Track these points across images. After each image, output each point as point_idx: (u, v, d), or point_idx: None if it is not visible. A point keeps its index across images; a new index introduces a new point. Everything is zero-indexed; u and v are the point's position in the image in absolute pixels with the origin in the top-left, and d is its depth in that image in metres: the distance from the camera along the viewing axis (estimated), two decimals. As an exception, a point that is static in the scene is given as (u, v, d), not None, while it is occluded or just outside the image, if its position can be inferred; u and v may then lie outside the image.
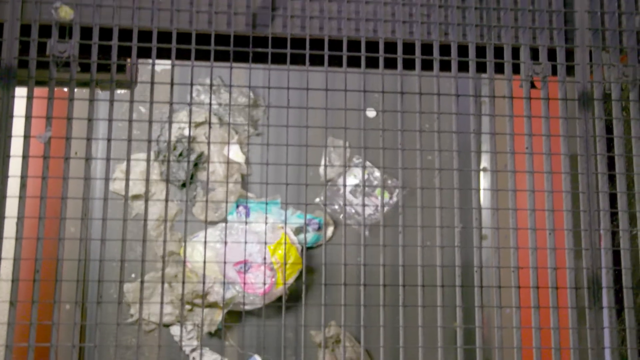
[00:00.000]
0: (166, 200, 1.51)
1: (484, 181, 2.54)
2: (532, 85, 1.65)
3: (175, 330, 2.88)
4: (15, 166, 1.46)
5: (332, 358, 2.84)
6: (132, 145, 1.50)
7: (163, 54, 1.61)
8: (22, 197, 1.44)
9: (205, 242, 1.80)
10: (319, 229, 2.95)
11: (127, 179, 1.49)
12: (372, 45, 1.63)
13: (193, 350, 2.89)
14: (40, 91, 1.55)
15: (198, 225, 2.89)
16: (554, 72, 1.67)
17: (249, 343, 2.90)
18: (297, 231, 2.94)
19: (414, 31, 1.63)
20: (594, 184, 1.60)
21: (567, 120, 1.61)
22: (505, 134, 1.61)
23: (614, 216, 1.63)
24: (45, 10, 1.52)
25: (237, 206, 3.01)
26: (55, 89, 1.51)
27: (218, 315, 2.88)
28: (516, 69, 1.67)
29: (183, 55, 1.61)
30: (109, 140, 1.49)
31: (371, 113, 2.73)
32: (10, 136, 1.45)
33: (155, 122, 1.56)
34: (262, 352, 2.83)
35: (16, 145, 1.48)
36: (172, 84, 1.54)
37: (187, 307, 2.87)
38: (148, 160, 1.55)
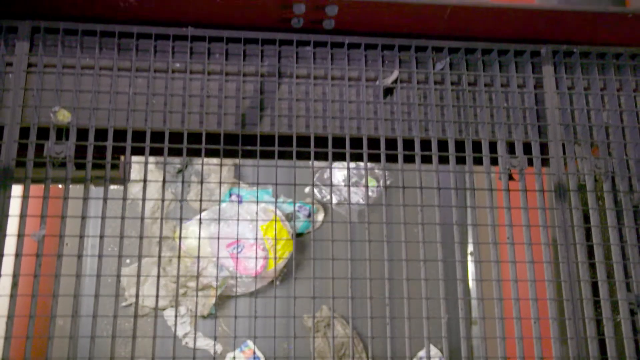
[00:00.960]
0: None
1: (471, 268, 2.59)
2: (511, 177, 1.73)
3: (168, 314, 2.85)
4: (7, 265, 1.49)
5: (324, 341, 2.85)
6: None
7: (156, 151, 1.68)
8: (12, 296, 1.46)
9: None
10: (309, 215, 2.99)
11: (118, 277, 1.52)
12: (356, 142, 1.72)
13: (185, 335, 2.86)
14: (35, 188, 1.60)
15: (192, 212, 2.87)
16: (531, 163, 1.76)
17: (242, 327, 2.88)
18: (288, 217, 2.96)
19: (396, 128, 1.72)
20: (575, 272, 1.64)
21: (545, 210, 1.68)
22: (486, 225, 1.67)
23: (597, 304, 1.67)
24: (43, 114, 1.59)
25: (230, 194, 3.03)
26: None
27: (211, 300, 2.88)
28: (495, 162, 1.75)
29: (175, 152, 1.69)
30: (101, 237, 1.53)
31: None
32: (5, 235, 1.49)
33: (148, 218, 1.60)
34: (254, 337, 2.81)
35: (8, 244, 1.52)
36: (164, 181, 1.60)
37: (181, 291, 2.82)
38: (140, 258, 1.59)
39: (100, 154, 1.61)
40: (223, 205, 2.96)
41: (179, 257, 1.58)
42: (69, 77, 1.64)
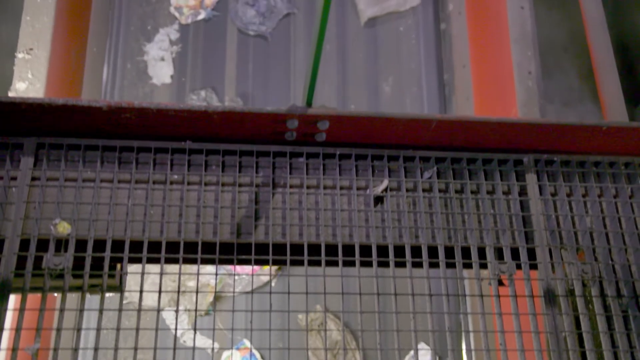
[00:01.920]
0: None
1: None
2: (500, 283, 1.76)
3: (166, 314, 2.91)
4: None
5: (319, 339, 2.91)
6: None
7: (152, 260, 1.72)
8: (4, 412, 1.45)
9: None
10: None
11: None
12: (348, 249, 1.77)
13: (183, 334, 2.93)
14: (31, 297, 1.62)
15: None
16: (520, 268, 1.80)
17: (238, 326, 2.75)
18: None
19: (387, 235, 1.77)
20: (569, 379, 1.65)
21: (536, 316, 1.70)
22: (479, 331, 1.69)
23: (593, 411, 1.66)
24: (44, 226, 1.64)
25: None
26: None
27: (208, 299, 2.96)
28: (484, 267, 1.79)
29: (171, 261, 1.72)
30: (96, 349, 1.54)
31: None
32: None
33: (143, 329, 1.62)
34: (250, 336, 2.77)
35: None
36: (159, 291, 1.63)
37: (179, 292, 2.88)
38: (132, 367, 1.59)
39: (98, 263, 1.65)
40: None
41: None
42: (69, 190, 1.70)
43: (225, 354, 3.00)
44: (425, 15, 3.54)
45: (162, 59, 3.39)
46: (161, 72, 3.38)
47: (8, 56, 5.80)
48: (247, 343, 2.96)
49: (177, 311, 1.53)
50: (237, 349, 3.00)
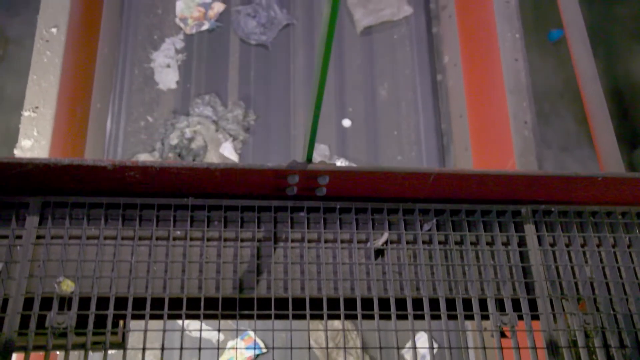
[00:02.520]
0: None
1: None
2: (503, 335, 1.76)
3: None
4: None
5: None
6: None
7: (155, 317, 1.73)
8: None
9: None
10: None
11: None
12: (350, 302, 1.77)
13: (189, 324, 3.00)
14: (34, 356, 1.62)
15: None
16: (522, 318, 1.80)
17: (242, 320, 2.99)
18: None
19: (388, 288, 1.78)
20: None
21: (540, 368, 1.69)
22: (482, 384, 1.69)
23: None
24: (47, 284, 1.66)
25: None
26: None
27: None
28: (486, 318, 1.80)
29: (174, 317, 1.73)
30: (97, 409, 1.53)
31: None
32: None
33: (144, 387, 1.61)
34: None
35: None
36: (162, 348, 1.63)
37: None
38: None
39: (101, 321, 1.66)
40: None
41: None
42: (73, 248, 1.72)
43: (230, 343, 3.12)
44: (417, 23, 3.77)
45: (168, 66, 3.57)
46: (167, 78, 3.55)
47: (13, 110, 5.89)
48: (251, 334, 3.09)
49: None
50: (242, 339, 3.12)
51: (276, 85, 3.56)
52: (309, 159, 1.71)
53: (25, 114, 2.51)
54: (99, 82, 3.27)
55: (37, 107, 2.51)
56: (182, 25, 3.71)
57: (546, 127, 6.47)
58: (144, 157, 3.26)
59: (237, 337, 3.01)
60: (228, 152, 3.35)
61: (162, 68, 3.58)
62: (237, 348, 3.11)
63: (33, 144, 2.44)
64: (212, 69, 3.60)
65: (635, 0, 6.95)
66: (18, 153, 2.46)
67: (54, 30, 2.67)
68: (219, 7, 3.79)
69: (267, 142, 3.45)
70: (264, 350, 3.11)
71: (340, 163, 3.35)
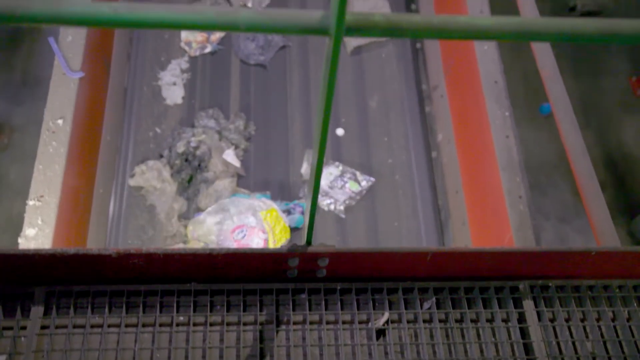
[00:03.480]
0: None
1: None
2: (508, 414, 1.75)
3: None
4: None
5: None
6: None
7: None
8: None
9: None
10: (303, 212, 3.41)
11: None
12: (353, 384, 1.78)
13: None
14: None
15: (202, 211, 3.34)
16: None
17: None
18: (285, 213, 3.41)
19: (391, 368, 1.79)
20: None
21: None
22: None
23: None
24: (51, 374, 1.67)
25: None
26: None
27: None
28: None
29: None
30: None
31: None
32: None
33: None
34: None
35: None
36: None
37: None
38: None
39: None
40: (226, 200, 3.38)
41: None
42: (77, 337, 1.74)
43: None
44: (403, 42, 4.16)
45: (174, 84, 3.88)
46: (173, 94, 3.85)
47: (16, 197, 5.99)
48: None
49: None
50: None
51: (274, 99, 3.89)
52: (309, 242, 1.75)
53: (30, 202, 2.57)
54: (102, 168, 3.37)
55: (42, 196, 2.58)
56: (186, 48, 4.02)
57: (543, 199, 6.55)
58: (152, 163, 3.55)
59: None
60: (230, 158, 3.59)
61: (168, 86, 3.86)
62: None
63: (37, 232, 2.49)
64: (214, 86, 3.92)
65: (621, 73, 7.20)
66: (22, 242, 2.50)
67: (60, 121, 2.78)
68: (220, 32, 4.08)
69: (267, 150, 3.72)
70: None
71: (336, 167, 3.63)
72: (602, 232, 2.23)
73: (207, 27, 0.97)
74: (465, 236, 3.25)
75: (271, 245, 3.26)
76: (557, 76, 2.69)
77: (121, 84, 3.78)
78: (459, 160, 3.41)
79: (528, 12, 2.83)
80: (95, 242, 3.20)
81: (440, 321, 1.86)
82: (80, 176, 3.02)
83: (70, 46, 3.05)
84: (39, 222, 2.53)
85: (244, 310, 1.83)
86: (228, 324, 1.80)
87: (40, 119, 2.83)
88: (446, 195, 3.52)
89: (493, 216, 2.95)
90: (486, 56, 3.20)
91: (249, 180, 3.62)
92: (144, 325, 1.78)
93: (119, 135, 3.62)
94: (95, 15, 0.95)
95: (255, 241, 3.25)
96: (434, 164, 3.69)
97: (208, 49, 4.03)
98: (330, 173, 3.61)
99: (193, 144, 3.58)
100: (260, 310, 1.84)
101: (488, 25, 1.03)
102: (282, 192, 3.56)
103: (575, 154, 2.43)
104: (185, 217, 3.48)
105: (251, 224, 3.26)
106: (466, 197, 3.27)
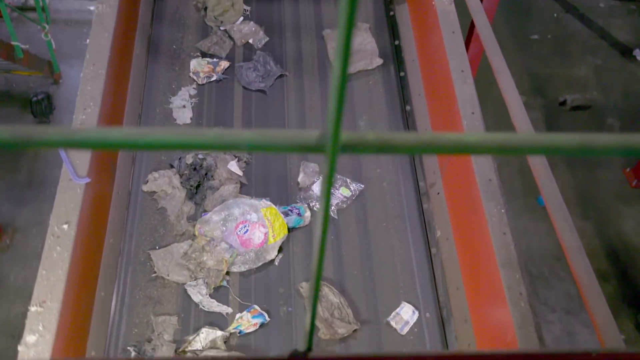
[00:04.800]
0: None
1: None
2: None
3: (189, 286, 3.56)
4: None
5: (319, 305, 3.32)
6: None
7: None
8: None
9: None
10: (299, 214, 3.85)
11: None
12: None
13: (201, 301, 3.52)
14: None
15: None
16: None
17: (247, 295, 3.61)
18: (283, 215, 3.83)
19: None
20: None
21: None
22: None
23: None
24: None
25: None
26: None
27: (222, 275, 3.59)
28: None
29: None
30: None
31: None
32: None
33: None
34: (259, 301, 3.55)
35: None
36: None
37: (198, 268, 3.59)
38: None
39: None
40: (230, 201, 3.84)
41: None
42: None
43: (237, 315, 3.55)
44: (387, 71, 4.68)
45: (184, 107, 4.43)
46: (183, 115, 4.40)
47: (15, 298, 5.94)
48: (257, 306, 3.55)
49: None
50: (248, 311, 3.53)
51: (273, 118, 4.43)
52: (309, 348, 1.75)
53: (32, 308, 2.58)
54: (104, 271, 3.39)
55: (44, 302, 2.58)
56: (194, 77, 4.64)
57: (548, 291, 6.50)
58: (164, 171, 4.03)
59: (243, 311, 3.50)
60: (234, 168, 4.06)
61: (178, 108, 4.43)
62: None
63: (38, 339, 2.48)
64: (219, 108, 4.48)
65: (615, 164, 7.35)
66: (22, 349, 2.48)
67: (65, 226, 2.84)
68: (224, 64, 4.76)
69: (267, 162, 4.17)
70: (268, 319, 3.51)
71: None
72: (604, 331, 2.22)
73: (211, 147, 1.05)
74: (468, 334, 3.22)
75: (271, 239, 3.69)
76: (548, 173, 2.77)
77: (126, 186, 3.88)
78: (458, 256, 3.44)
79: (516, 112, 2.96)
80: (95, 347, 3.17)
81: None
82: (83, 280, 3.04)
83: (78, 153, 3.17)
84: (40, 328, 2.52)
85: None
86: None
87: (43, 220, 2.92)
88: (447, 292, 3.52)
89: (495, 313, 2.94)
90: (480, 155, 3.33)
91: (251, 188, 4.03)
92: None
93: (121, 239, 3.69)
94: (107, 140, 1.03)
95: (257, 235, 3.67)
96: (434, 260, 3.71)
97: (214, 78, 4.63)
98: None
99: (200, 156, 4.06)
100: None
101: (476, 141, 1.11)
102: (280, 198, 3.95)
103: (572, 252, 2.46)
104: (193, 218, 3.86)
105: (253, 220, 3.69)
106: (467, 294, 3.27)
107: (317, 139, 1.18)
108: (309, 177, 4.09)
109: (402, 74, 4.64)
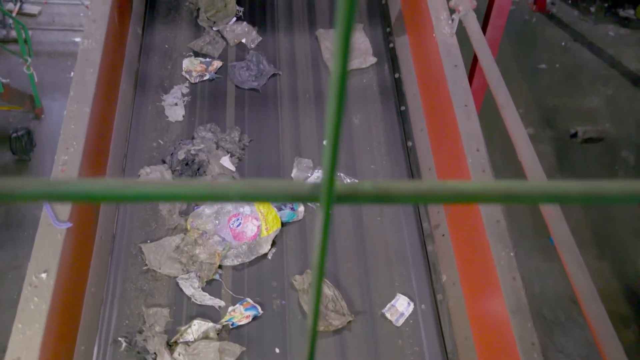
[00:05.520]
0: None
1: None
2: None
3: (181, 279, 3.68)
4: None
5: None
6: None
7: None
8: None
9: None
10: (292, 208, 3.96)
11: None
12: None
13: (193, 294, 3.65)
14: None
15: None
16: None
17: (240, 289, 3.73)
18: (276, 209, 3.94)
19: None
20: None
21: None
22: None
23: None
24: None
25: None
26: None
27: (214, 268, 3.72)
28: None
29: None
30: None
31: None
32: None
33: None
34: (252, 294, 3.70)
35: None
36: None
37: (190, 261, 3.70)
38: None
39: None
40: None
41: None
42: None
43: (230, 308, 3.68)
44: (388, 106, 4.85)
45: (176, 104, 4.57)
46: (175, 113, 4.54)
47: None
48: (250, 300, 3.66)
49: None
50: (241, 304, 3.66)
51: (266, 117, 4.64)
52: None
53: (7, 366, 2.54)
54: (85, 322, 3.35)
55: (19, 358, 2.55)
56: (187, 76, 4.82)
57: (565, 338, 6.42)
58: (156, 167, 4.19)
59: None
60: (227, 164, 4.21)
61: (170, 106, 4.57)
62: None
63: (12, 399, 2.44)
64: (212, 107, 4.69)
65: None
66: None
67: (43, 275, 2.81)
68: (217, 64, 4.95)
69: (260, 158, 4.37)
70: (261, 312, 3.65)
71: (320, 172, 4.19)
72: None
73: (198, 198, 1.06)
74: (478, 388, 3.18)
75: (264, 232, 3.81)
76: (559, 212, 2.78)
77: (109, 230, 3.87)
78: (466, 303, 3.42)
79: (523, 150, 2.98)
80: (85, 341, 3.21)
81: None
82: (61, 333, 3.00)
83: (58, 195, 3.16)
84: (15, 387, 2.48)
85: None
86: None
87: (20, 265, 2.90)
88: (455, 341, 3.49)
89: (507, 365, 2.91)
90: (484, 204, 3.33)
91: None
92: None
93: (102, 288, 3.68)
94: (90, 192, 1.04)
95: (250, 228, 3.81)
96: (440, 307, 3.69)
97: (206, 77, 4.82)
98: (317, 177, 4.19)
99: (193, 152, 4.21)
100: None
101: (478, 191, 1.12)
102: None
103: (586, 297, 2.45)
104: (185, 213, 3.98)
105: (246, 213, 3.82)
106: (476, 344, 3.25)
107: (311, 190, 1.19)
108: (303, 172, 4.25)
109: (402, 108, 4.73)
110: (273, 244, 3.88)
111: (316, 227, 1.20)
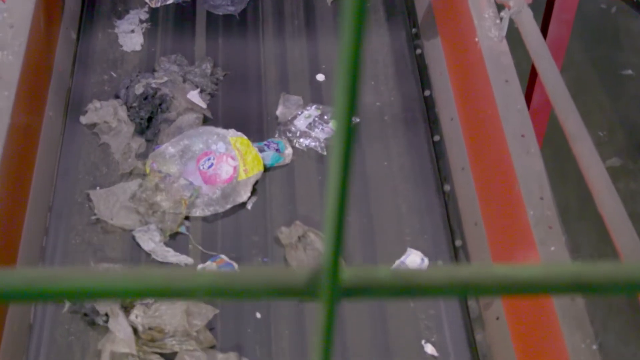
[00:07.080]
0: None
1: None
2: None
3: (138, 232, 3.97)
4: None
5: (300, 254, 4.08)
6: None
7: None
8: None
9: None
10: (278, 150, 4.32)
11: None
12: None
13: (153, 250, 3.93)
14: None
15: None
16: None
17: (211, 245, 4.04)
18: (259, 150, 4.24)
19: None
20: None
21: None
22: None
23: None
24: None
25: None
26: None
27: (180, 219, 4.05)
28: None
29: None
30: None
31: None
32: None
33: None
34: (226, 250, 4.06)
35: None
36: None
37: (150, 211, 4.08)
38: None
39: None
40: (191, 130, 4.41)
41: None
42: None
43: (200, 266, 3.98)
44: (416, 133, 5.06)
45: (133, 31, 4.93)
46: (131, 42, 4.91)
47: None
48: (224, 257, 3.95)
49: None
50: (213, 261, 3.99)
51: (245, 47, 4.98)
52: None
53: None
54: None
55: None
56: (147, 0, 5.06)
57: None
58: (108, 102, 4.53)
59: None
60: (196, 99, 4.54)
61: (125, 33, 4.91)
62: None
63: None
64: (177, 35, 5.00)
65: None
66: None
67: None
68: None
69: (238, 94, 4.73)
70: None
71: (316, 109, 4.65)
72: None
73: (153, 296, 1.09)
74: None
75: (242, 174, 4.13)
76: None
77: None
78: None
79: (604, 198, 2.98)
80: None
81: None
82: None
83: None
84: None
85: None
86: None
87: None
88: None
89: None
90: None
91: (217, 122, 4.43)
92: None
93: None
94: None
95: (225, 169, 4.15)
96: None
97: (171, 1, 5.13)
98: (309, 115, 4.53)
99: (153, 85, 4.50)
100: None
101: (535, 277, 1.15)
102: (253, 134, 4.37)
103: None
104: (143, 156, 4.22)
105: (220, 150, 4.16)
106: None
107: (307, 281, 1.22)
108: (290, 110, 4.57)
109: (436, 138, 4.54)
110: (253, 191, 4.10)
111: (316, 326, 1.21)
